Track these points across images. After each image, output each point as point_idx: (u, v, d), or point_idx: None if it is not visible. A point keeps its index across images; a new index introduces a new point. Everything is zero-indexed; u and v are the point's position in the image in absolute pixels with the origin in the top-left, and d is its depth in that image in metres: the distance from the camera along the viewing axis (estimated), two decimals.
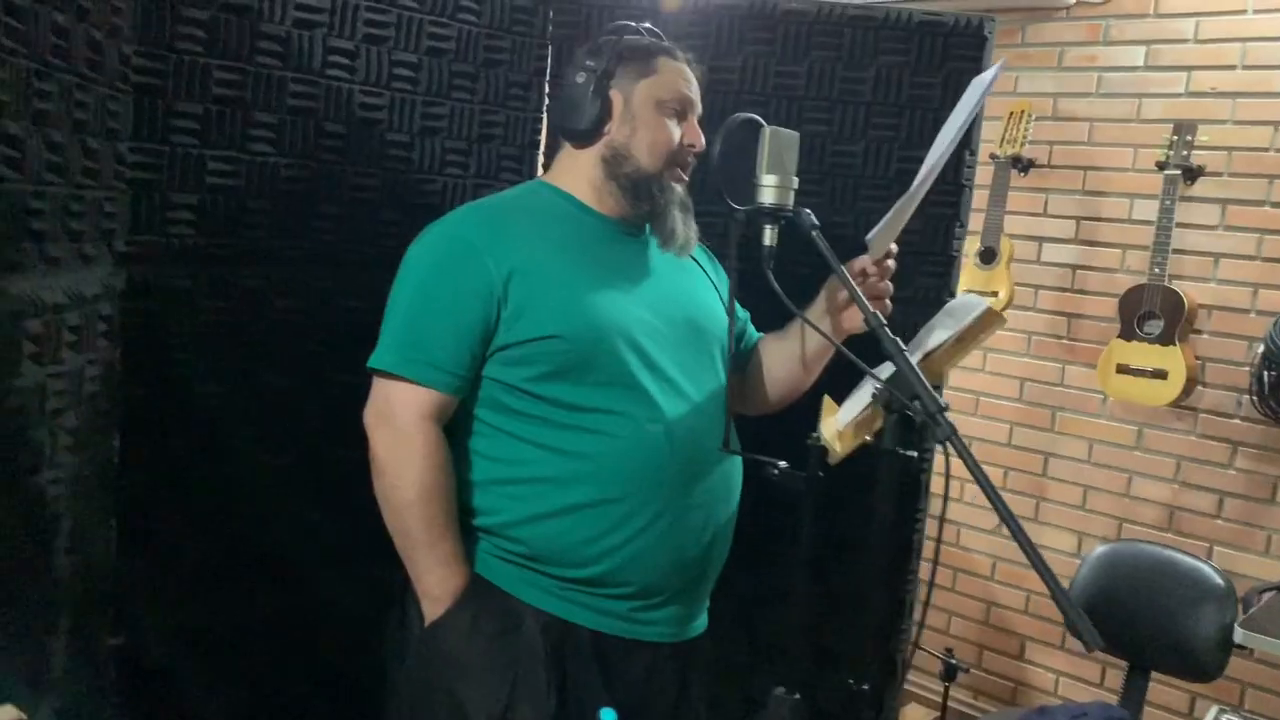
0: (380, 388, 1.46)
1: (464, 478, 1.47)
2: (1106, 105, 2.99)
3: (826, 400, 1.74)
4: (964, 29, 2.14)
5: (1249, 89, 2.76)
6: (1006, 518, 1.22)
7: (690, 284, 1.61)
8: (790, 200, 1.40)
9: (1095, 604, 2.43)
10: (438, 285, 1.44)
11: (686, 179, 1.57)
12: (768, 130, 1.40)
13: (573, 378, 1.42)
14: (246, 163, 1.81)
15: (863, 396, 1.65)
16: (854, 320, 1.59)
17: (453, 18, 2.05)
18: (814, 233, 1.37)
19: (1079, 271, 3.09)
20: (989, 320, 1.50)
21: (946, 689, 2.80)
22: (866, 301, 1.35)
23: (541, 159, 2.27)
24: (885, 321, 1.32)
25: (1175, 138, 2.76)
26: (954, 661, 2.73)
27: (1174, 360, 2.78)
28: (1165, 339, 2.79)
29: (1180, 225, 2.79)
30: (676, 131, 1.53)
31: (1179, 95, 2.88)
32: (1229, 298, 2.81)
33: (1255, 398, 2.70)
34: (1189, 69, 2.86)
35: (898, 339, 1.29)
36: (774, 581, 2.22)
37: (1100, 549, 2.52)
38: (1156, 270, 2.78)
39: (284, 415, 1.91)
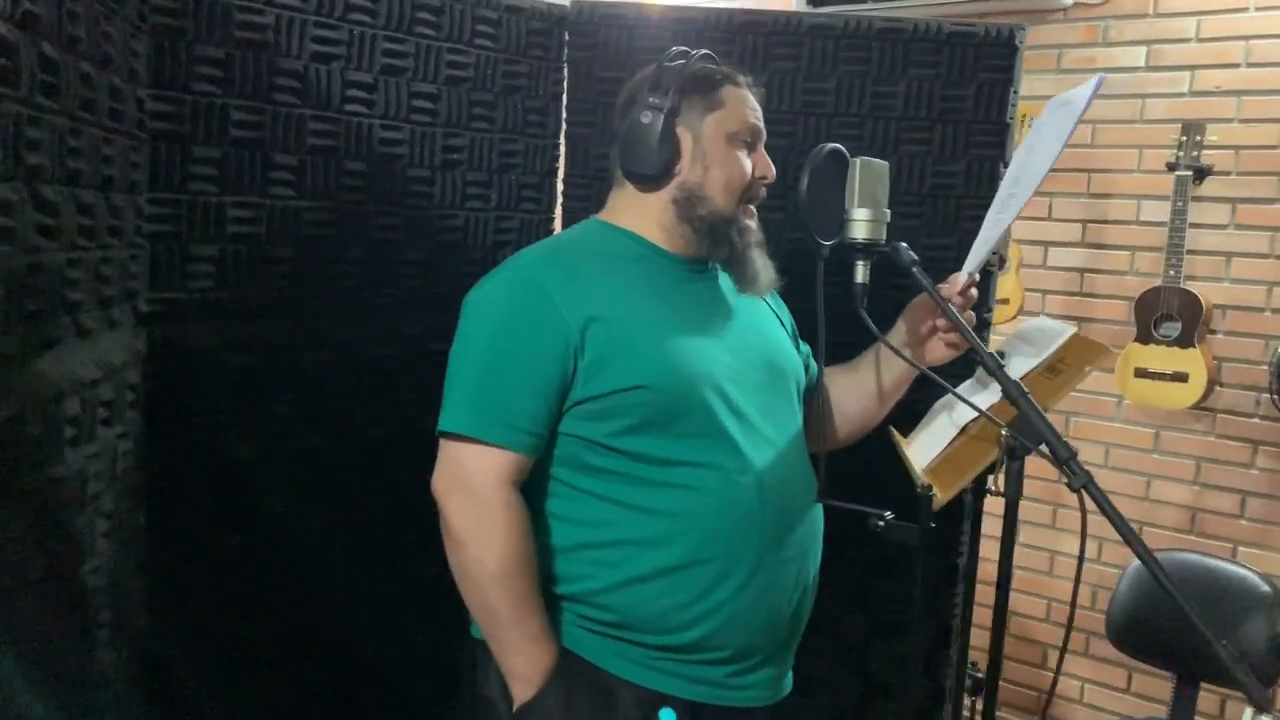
0: (452, 452, 1.34)
1: (543, 543, 1.37)
2: (1108, 106, 2.96)
3: (893, 434, 1.67)
4: (995, 39, 2.08)
5: (1254, 87, 2.74)
6: (1145, 557, 1.16)
7: (761, 321, 1.52)
8: (883, 234, 1.33)
9: (1139, 617, 2.39)
10: (510, 336, 1.34)
11: (755, 211, 1.48)
12: (858, 162, 1.33)
13: (659, 430, 1.32)
14: (268, 208, 1.69)
15: (940, 430, 1.58)
16: (936, 352, 1.52)
17: (470, 44, 1.95)
18: (914, 268, 1.29)
19: (1087, 275, 3.05)
20: (1085, 350, 1.43)
21: (972, 703, 2.75)
22: (975, 337, 1.27)
23: (561, 186, 2.17)
24: (1002, 361, 1.25)
25: (1184, 138, 2.74)
26: (978, 675, 2.68)
27: (1194, 362, 2.75)
28: (1184, 341, 2.76)
29: (1191, 226, 2.76)
30: (748, 164, 1.44)
31: (1183, 95, 2.85)
32: (1243, 297, 2.79)
33: (1276, 396, 2.69)
34: (1192, 68, 2.84)
35: (1019, 381, 1.22)
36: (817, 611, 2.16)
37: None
38: (1171, 273, 2.76)
39: (316, 475, 1.79)
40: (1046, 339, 1.54)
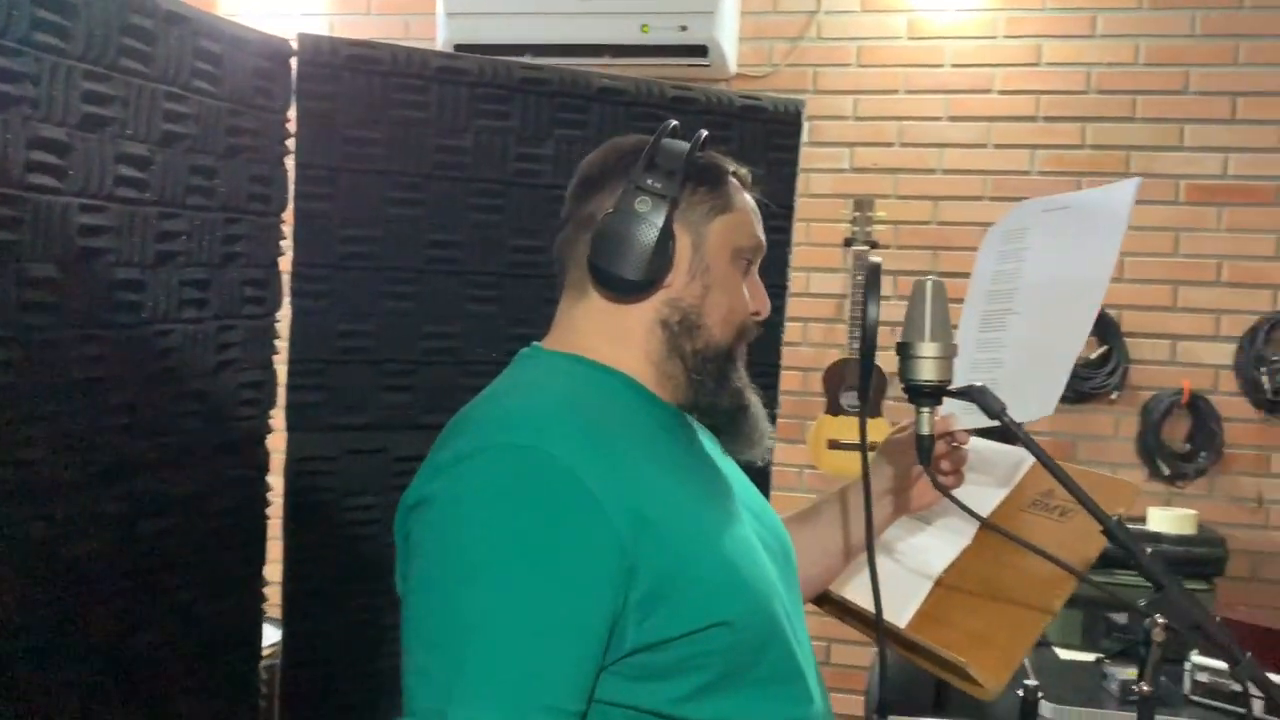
0: None
1: None
2: None
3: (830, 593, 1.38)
4: (784, 114, 1.91)
5: (908, 165, 2.88)
6: None
7: (750, 490, 1.16)
8: (952, 373, 1.05)
9: None
10: (543, 565, 0.83)
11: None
12: (929, 285, 1.03)
13: (733, 684, 0.91)
14: None
15: (905, 576, 1.33)
16: (925, 498, 1.27)
17: (188, 87, 1.35)
18: (1005, 417, 1.03)
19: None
20: (1111, 491, 1.23)
21: None
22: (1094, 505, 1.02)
23: (289, 284, 1.60)
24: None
25: (858, 214, 2.80)
26: None
27: (882, 432, 2.81)
28: (872, 412, 2.81)
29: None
30: (747, 293, 1.08)
31: (844, 170, 2.93)
32: None
33: None
34: (851, 145, 2.92)
35: (1145, 547, 1.01)
36: None
37: None
38: (854, 345, 2.80)
39: None
40: (998, 465, 1.36)
